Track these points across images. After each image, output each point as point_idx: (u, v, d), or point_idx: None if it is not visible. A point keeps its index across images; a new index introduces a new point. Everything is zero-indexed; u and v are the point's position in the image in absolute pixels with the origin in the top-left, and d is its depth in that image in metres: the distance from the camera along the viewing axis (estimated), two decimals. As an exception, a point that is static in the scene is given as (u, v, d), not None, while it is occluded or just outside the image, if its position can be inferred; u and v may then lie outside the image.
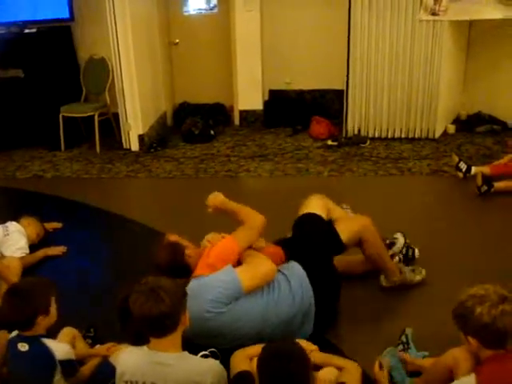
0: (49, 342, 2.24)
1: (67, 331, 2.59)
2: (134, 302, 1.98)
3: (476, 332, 1.94)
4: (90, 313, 2.95)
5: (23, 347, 2.19)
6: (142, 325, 2.00)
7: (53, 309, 2.28)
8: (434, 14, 5.03)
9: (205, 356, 2.41)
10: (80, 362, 2.41)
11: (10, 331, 2.29)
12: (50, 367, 2.20)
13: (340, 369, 2.21)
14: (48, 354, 2.20)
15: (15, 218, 3.81)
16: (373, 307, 2.97)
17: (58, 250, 3.68)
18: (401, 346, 2.55)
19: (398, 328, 2.63)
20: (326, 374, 2.11)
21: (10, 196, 4.98)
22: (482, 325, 1.90)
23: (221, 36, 6.32)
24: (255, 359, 1.97)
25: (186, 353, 2.07)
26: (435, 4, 4.98)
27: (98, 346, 2.66)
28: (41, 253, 3.61)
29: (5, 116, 5.86)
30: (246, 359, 2.25)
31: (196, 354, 2.26)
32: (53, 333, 2.40)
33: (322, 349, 2.39)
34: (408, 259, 3.29)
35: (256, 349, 2.25)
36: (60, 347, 2.27)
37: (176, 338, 2.04)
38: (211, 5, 6.40)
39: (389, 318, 2.86)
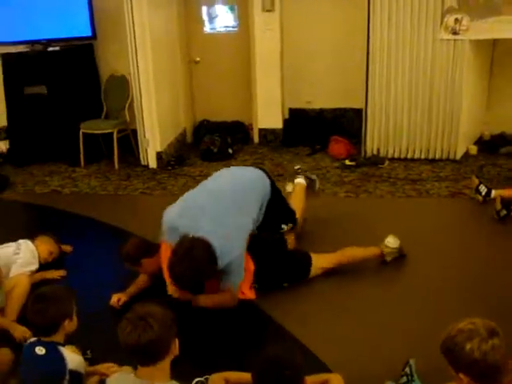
0: (64, 351, 2.31)
1: (67, 348, 2.59)
2: (123, 329, 1.95)
3: (467, 369, 1.84)
4: (88, 334, 2.90)
5: (40, 351, 2.26)
6: (131, 352, 1.96)
7: (75, 315, 2.38)
8: (454, 33, 4.95)
9: (200, 383, 2.37)
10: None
11: (36, 335, 2.35)
12: (60, 374, 2.25)
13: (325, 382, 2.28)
14: (61, 360, 2.26)
15: (31, 234, 3.83)
16: (373, 334, 2.88)
17: (56, 274, 3.64)
18: (404, 378, 2.46)
19: (399, 358, 2.53)
20: None
21: (27, 211, 5.04)
22: (473, 361, 1.81)
23: (241, 54, 6.34)
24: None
25: (175, 382, 2.02)
26: (456, 23, 4.90)
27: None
28: (38, 275, 3.54)
29: (28, 131, 5.98)
30: (222, 381, 2.27)
31: (190, 380, 2.22)
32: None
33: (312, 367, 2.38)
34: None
35: (232, 374, 2.31)
36: (74, 357, 2.34)
37: (164, 366, 2.00)
38: (232, 24, 6.42)
39: (391, 348, 2.76)
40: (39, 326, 2.30)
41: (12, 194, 5.29)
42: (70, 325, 2.34)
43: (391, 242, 3.49)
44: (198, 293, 3.03)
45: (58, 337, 2.32)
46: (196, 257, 2.76)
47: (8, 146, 6.22)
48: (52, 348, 2.27)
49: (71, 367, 2.26)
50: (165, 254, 3.03)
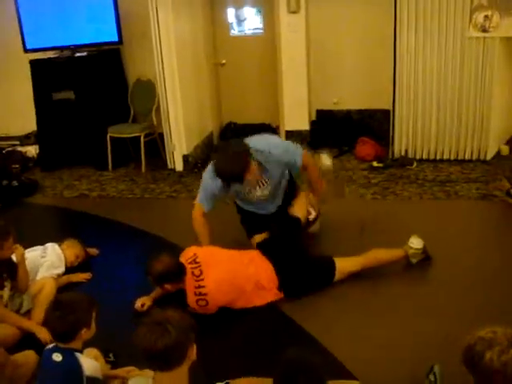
0: (81, 357, 2.29)
1: (89, 351, 2.60)
2: (140, 334, 1.94)
3: (486, 378, 1.77)
4: (111, 337, 2.91)
5: (57, 357, 2.25)
6: (147, 357, 1.95)
7: (93, 323, 2.36)
8: (484, 30, 4.83)
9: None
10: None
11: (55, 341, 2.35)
12: (77, 381, 2.23)
13: None
14: (77, 367, 2.24)
15: (58, 237, 3.89)
16: (397, 338, 2.82)
17: (81, 277, 3.69)
18: (429, 385, 2.40)
19: (423, 361, 2.47)
20: None
21: (55, 215, 5.11)
22: (493, 371, 1.73)
23: (267, 57, 6.32)
24: None
25: (192, 387, 2.01)
26: (485, 20, 4.78)
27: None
28: (64, 279, 3.60)
29: (57, 136, 6.07)
30: None
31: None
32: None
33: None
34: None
35: (253, 380, 2.31)
36: (90, 364, 2.31)
37: (181, 372, 1.97)
38: (257, 26, 6.41)
39: (415, 351, 2.69)
40: (57, 332, 2.29)
41: (41, 198, 5.37)
42: (87, 333, 2.32)
43: (415, 242, 3.42)
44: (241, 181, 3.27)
45: (76, 344, 2.30)
46: (234, 149, 3.20)
47: (38, 151, 6.33)
48: (69, 355, 2.25)
49: (88, 374, 2.23)
50: (199, 222, 3.52)
